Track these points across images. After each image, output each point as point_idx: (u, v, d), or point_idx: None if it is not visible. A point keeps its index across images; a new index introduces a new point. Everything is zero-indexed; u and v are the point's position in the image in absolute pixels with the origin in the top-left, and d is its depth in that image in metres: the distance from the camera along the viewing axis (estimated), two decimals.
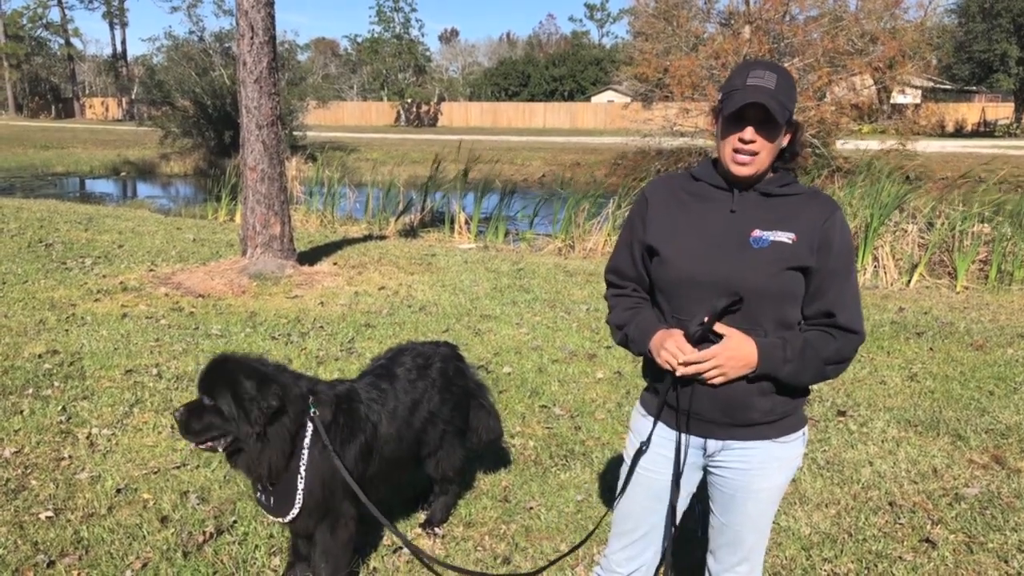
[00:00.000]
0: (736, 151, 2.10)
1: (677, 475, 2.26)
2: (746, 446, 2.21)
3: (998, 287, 9.06)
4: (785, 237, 2.10)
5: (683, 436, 2.24)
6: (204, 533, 3.45)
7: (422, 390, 3.31)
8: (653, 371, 2.27)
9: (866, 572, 3.34)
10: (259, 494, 2.88)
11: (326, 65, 72.01)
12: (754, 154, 2.09)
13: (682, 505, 2.38)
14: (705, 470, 2.32)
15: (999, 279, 9.22)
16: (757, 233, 2.12)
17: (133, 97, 56.67)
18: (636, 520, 2.37)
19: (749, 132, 2.07)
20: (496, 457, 4.27)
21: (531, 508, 3.82)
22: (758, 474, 2.22)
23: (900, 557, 3.43)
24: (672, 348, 2.10)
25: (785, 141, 2.17)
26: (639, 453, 2.31)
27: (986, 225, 9.87)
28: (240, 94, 8.16)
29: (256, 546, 3.38)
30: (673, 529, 2.33)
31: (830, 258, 2.12)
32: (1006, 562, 3.42)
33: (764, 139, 2.08)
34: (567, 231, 11.86)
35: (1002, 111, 46.92)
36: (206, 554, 3.31)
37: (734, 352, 2.05)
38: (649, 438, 2.29)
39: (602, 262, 10.49)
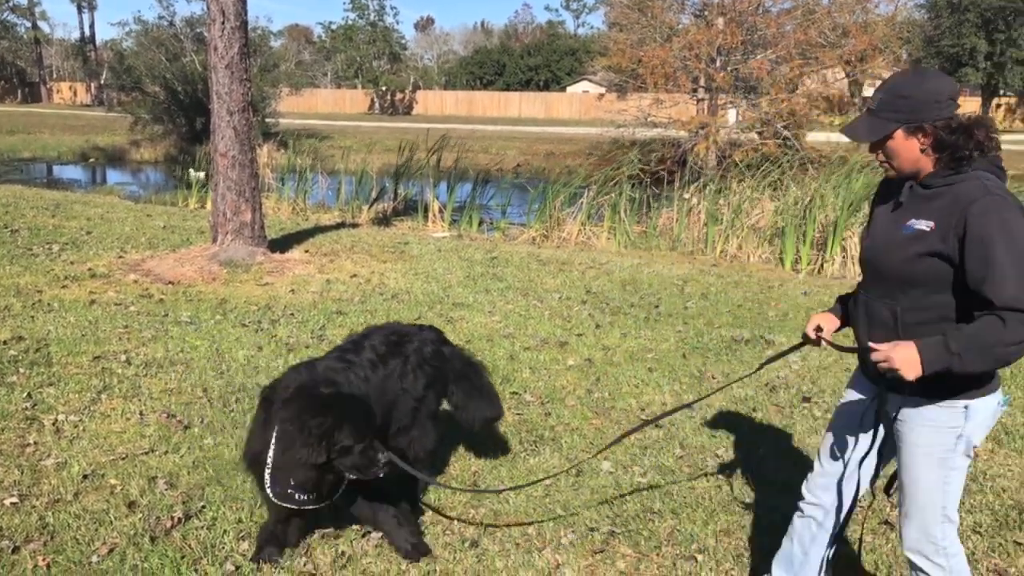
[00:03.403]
0: None
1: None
2: (904, 402, 2.46)
3: None
4: (925, 225, 2.30)
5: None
6: (172, 518, 3.45)
7: (392, 367, 3.33)
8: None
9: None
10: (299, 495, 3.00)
11: (299, 52, 71.22)
12: (885, 162, 2.43)
13: (870, 460, 2.65)
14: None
15: None
16: (909, 221, 2.35)
17: (102, 82, 55.63)
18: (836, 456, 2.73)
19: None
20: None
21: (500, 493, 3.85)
22: (910, 429, 2.47)
23: (860, 539, 3.51)
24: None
25: (925, 143, 2.30)
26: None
27: None
28: (211, 80, 8.07)
29: (225, 531, 3.39)
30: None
31: (969, 246, 2.21)
32: None
33: (881, 152, 2.41)
34: (542, 220, 11.88)
35: (970, 105, 47.46)
36: (174, 539, 3.31)
37: (899, 354, 2.24)
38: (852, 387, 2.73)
39: (576, 251, 10.54)
